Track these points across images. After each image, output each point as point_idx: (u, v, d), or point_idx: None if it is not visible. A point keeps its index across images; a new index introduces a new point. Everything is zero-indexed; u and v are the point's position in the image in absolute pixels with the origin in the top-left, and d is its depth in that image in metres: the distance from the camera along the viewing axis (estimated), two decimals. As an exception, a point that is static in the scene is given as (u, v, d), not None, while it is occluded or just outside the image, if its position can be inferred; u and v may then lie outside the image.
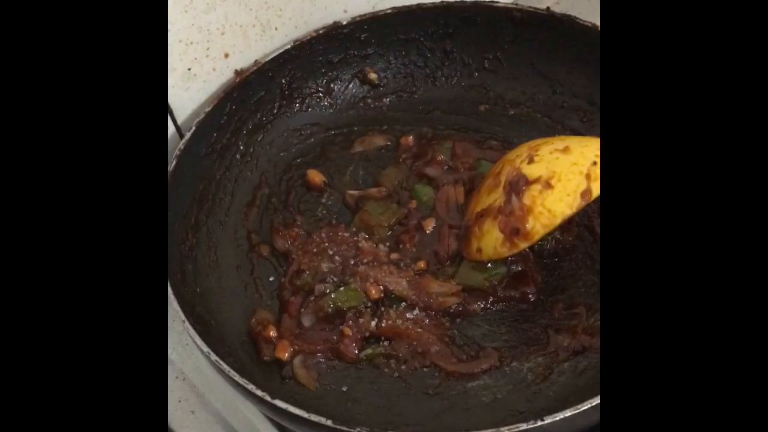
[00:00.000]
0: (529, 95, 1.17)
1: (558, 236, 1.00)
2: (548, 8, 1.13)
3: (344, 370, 0.94)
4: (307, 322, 0.96)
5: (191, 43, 1.09)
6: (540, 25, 1.14)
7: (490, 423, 0.82)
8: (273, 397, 0.83)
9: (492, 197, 0.97)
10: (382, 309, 0.96)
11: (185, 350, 1.04)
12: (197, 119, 1.08)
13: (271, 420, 0.96)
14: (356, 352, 0.94)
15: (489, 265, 0.97)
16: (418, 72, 1.21)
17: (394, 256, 1.01)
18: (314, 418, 0.81)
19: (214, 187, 1.10)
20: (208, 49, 1.11)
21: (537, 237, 0.93)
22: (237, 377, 0.85)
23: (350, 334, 0.94)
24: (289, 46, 1.16)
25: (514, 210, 0.93)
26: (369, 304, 0.96)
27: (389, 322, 0.95)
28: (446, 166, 1.09)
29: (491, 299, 0.97)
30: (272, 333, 0.95)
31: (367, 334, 0.95)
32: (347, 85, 1.21)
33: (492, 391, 0.91)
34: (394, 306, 0.96)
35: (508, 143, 1.11)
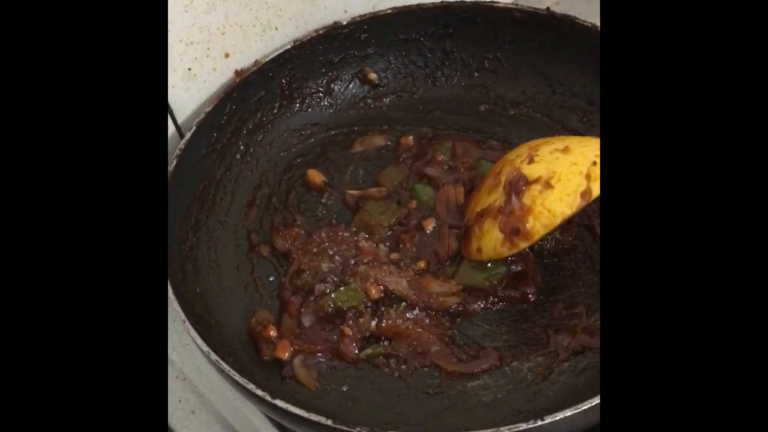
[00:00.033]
0: (529, 95, 1.17)
1: (558, 236, 1.00)
2: (548, 8, 1.13)
3: (344, 369, 0.94)
4: (307, 321, 0.96)
5: (191, 43, 1.09)
6: (540, 25, 1.14)
7: (490, 423, 0.82)
8: (273, 397, 0.83)
9: (492, 197, 0.97)
10: (382, 309, 0.96)
11: (185, 350, 1.04)
12: (197, 119, 1.08)
13: (272, 420, 0.96)
14: (356, 351, 0.94)
15: (489, 264, 0.97)
16: (418, 72, 1.21)
17: (394, 256, 1.01)
18: (314, 417, 0.81)
19: (214, 186, 1.10)
20: (208, 49, 1.11)
21: (537, 237, 0.93)
22: (237, 377, 0.85)
23: (350, 333, 0.94)
24: (289, 46, 1.15)
25: (514, 210, 0.93)
26: (369, 304, 0.96)
27: (389, 321, 0.95)
28: (446, 166, 1.09)
29: (491, 299, 0.97)
30: (272, 333, 0.95)
31: (367, 334, 0.95)
32: (347, 85, 1.20)
33: (492, 391, 0.91)
34: (394, 306, 0.96)
35: (508, 143, 1.11)
